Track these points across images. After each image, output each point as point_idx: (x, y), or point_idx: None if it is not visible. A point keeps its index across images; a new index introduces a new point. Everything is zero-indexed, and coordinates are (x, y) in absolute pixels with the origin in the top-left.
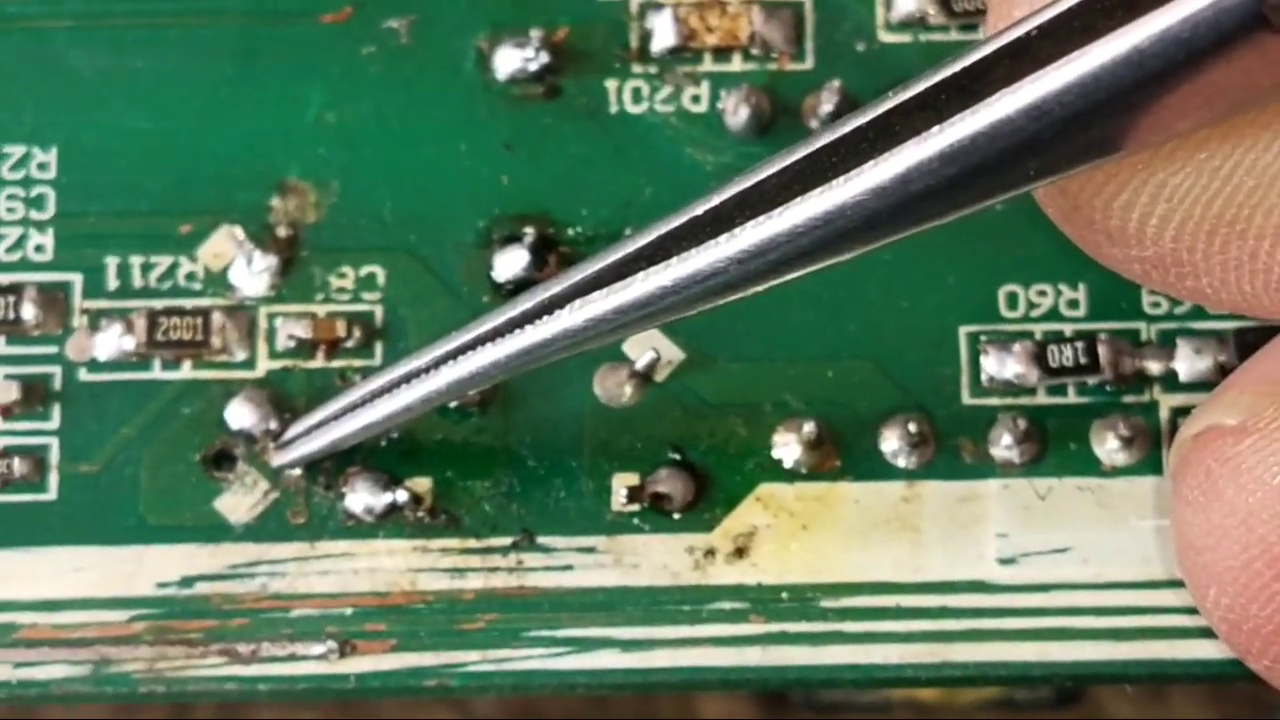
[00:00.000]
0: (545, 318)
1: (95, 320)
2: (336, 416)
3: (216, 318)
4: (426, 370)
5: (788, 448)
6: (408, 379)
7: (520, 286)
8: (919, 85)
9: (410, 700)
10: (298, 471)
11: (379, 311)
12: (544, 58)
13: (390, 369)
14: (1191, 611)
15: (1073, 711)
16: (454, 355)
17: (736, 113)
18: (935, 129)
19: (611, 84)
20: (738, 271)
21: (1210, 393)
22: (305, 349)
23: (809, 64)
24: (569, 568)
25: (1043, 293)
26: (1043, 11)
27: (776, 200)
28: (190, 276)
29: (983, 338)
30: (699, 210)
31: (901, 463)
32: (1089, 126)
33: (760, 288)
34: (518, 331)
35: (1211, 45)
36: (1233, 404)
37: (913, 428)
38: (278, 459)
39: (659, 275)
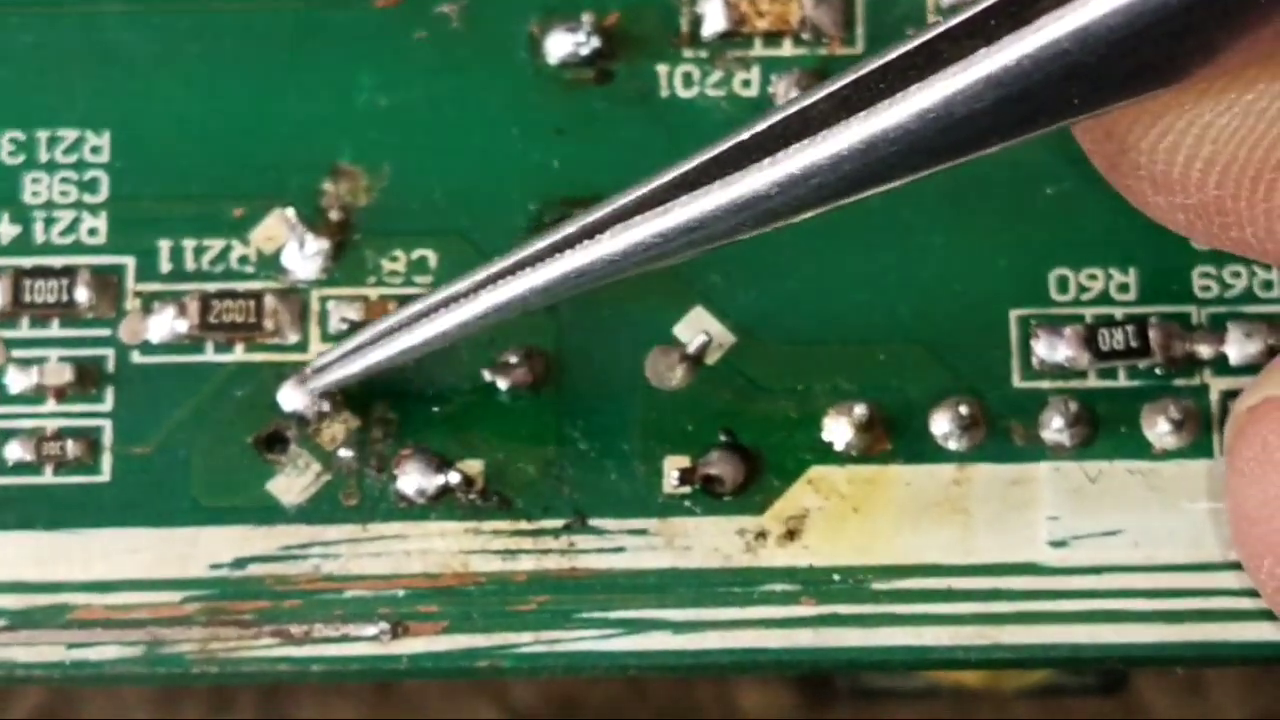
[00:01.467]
0: (586, 243)
1: (148, 303)
2: (373, 341)
3: (269, 301)
4: (465, 295)
5: (839, 430)
6: (445, 304)
7: None
8: (969, 11)
9: (457, 684)
10: (350, 453)
11: None
12: (595, 42)
13: (428, 295)
14: (1244, 594)
15: (1115, 700)
16: (493, 280)
17: (787, 97)
18: (981, 52)
19: (662, 68)
20: (780, 197)
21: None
22: (357, 331)
23: (860, 48)
24: (621, 549)
25: (1093, 276)
26: None
27: (821, 126)
28: (243, 260)
29: (1033, 321)
30: (744, 135)
31: (952, 445)
32: (1135, 53)
33: (804, 215)
34: (558, 257)
35: None
36: None
37: (964, 410)
38: (311, 383)
39: (701, 200)
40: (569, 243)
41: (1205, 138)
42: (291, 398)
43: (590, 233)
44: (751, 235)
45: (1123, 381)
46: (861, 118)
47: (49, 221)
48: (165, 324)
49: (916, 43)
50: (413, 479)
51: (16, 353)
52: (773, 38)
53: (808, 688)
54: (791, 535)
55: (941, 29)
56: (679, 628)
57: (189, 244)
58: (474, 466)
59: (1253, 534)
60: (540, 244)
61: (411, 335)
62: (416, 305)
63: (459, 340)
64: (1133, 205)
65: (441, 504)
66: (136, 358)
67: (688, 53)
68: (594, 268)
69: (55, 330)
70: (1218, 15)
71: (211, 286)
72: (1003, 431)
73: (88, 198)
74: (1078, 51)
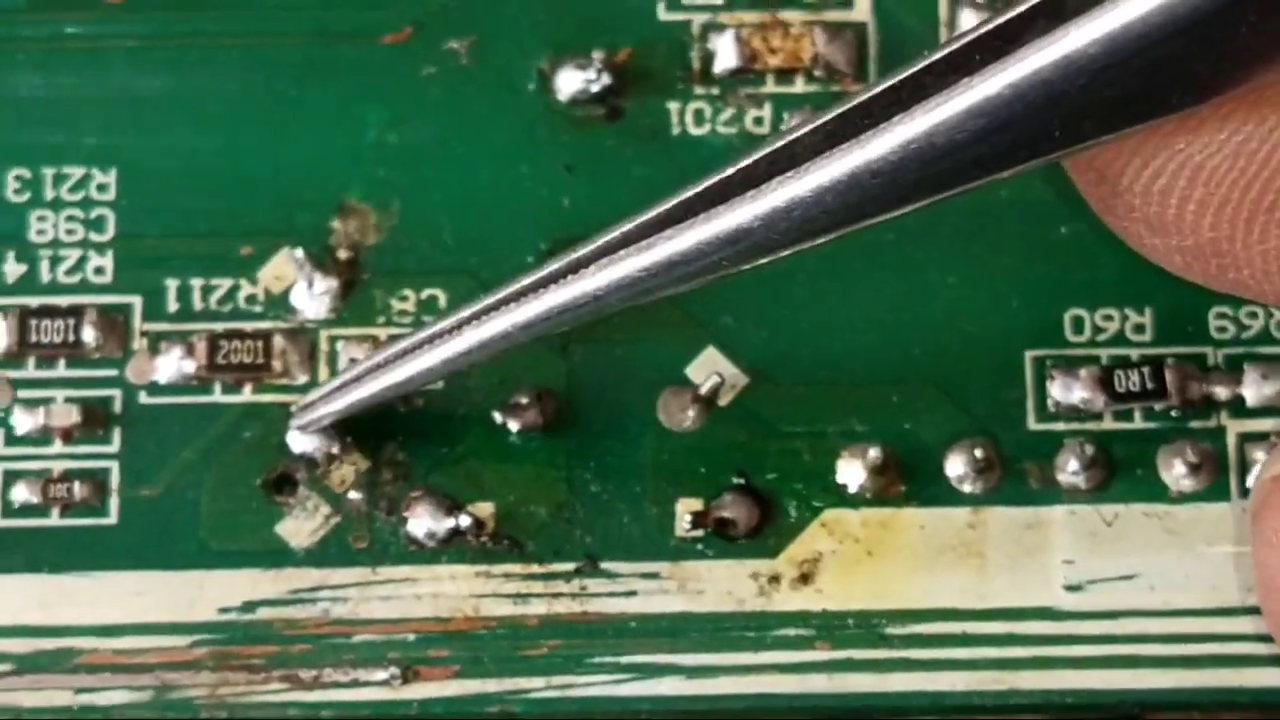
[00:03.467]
0: (570, 278)
1: (155, 343)
2: (358, 379)
3: (278, 341)
4: (450, 331)
5: (852, 473)
6: (430, 340)
7: None
8: (953, 45)
9: None
10: (359, 495)
11: None
12: (606, 79)
13: (413, 332)
14: (1261, 639)
15: None
16: (477, 316)
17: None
18: (963, 83)
19: (674, 105)
20: (763, 231)
21: None
22: None
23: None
24: (633, 593)
25: (1109, 317)
26: None
27: (805, 159)
28: (251, 299)
29: (1048, 362)
30: (728, 170)
31: (967, 488)
32: (1117, 84)
33: (788, 250)
34: (542, 293)
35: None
36: None
37: (978, 453)
38: (296, 421)
39: (685, 234)
40: (553, 279)
41: (1197, 180)
42: (301, 440)
43: (575, 268)
44: (736, 270)
45: (1139, 423)
46: (844, 150)
47: (55, 260)
48: (173, 364)
49: (901, 76)
50: (423, 522)
51: (23, 393)
52: (785, 75)
53: None
54: (805, 579)
55: (925, 63)
56: (692, 672)
57: (196, 283)
58: (485, 509)
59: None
60: (525, 280)
61: (396, 372)
62: (401, 343)
63: (444, 376)
64: (1131, 247)
65: (452, 547)
66: (144, 398)
67: (699, 90)
68: (578, 303)
69: (62, 370)
70: (1199, 48)
71: (219, 326)
72: (1018, 474)
73: (94, 236)
74: (1060, 81)
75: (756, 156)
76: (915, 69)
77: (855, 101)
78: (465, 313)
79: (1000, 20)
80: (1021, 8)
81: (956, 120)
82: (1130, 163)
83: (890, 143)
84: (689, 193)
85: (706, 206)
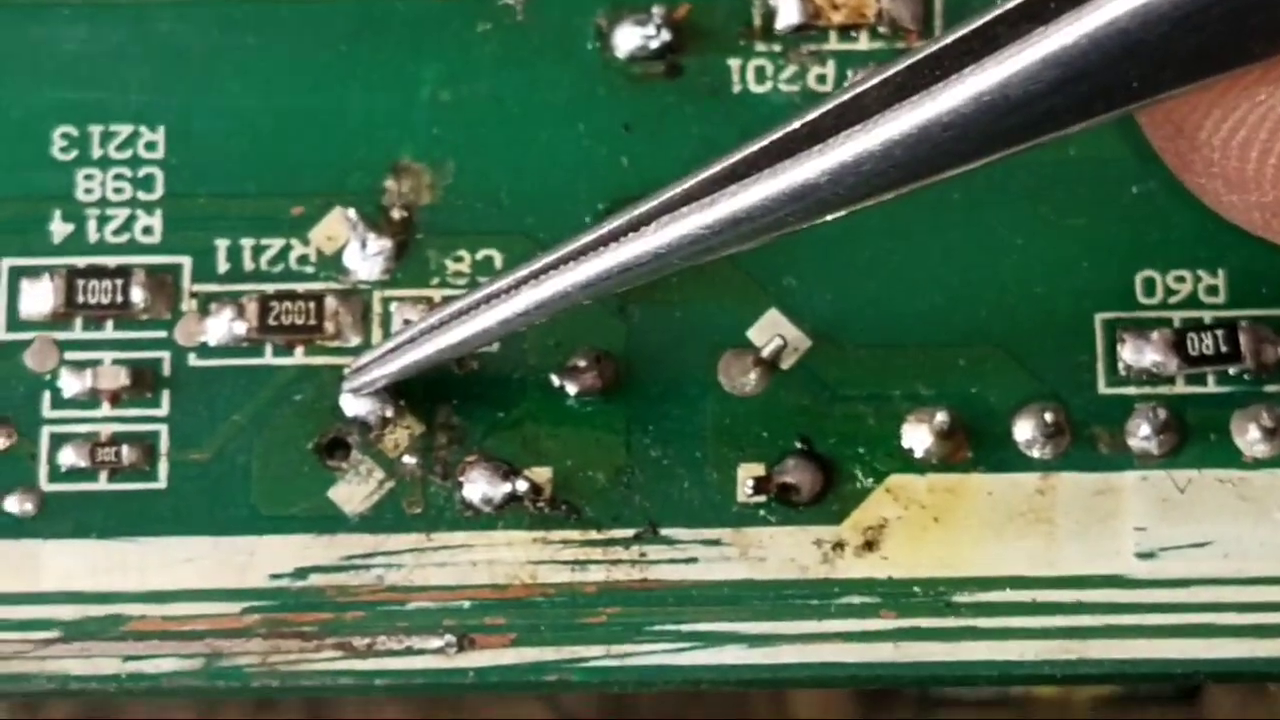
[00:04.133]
0: (631, 236)
1: (205, 304)
2: (412, 340)
3: (330, 302)
4: (507, 291)
5: (918, 438)
6: (486, 300)
7: None
8: None
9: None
10: (414, 460)
11: None
12: (665, 35)
13: (469, 292)
14: None
15: (1186, 709)
16: (536, 275)
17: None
18: (1038, 32)
19: (734, 63)
20: (831, 187)
21: None
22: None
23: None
24: (693, 560)
25: (1181, 278)
26: None
27: (874, 112)
28: (302, 260)
29: (1119, 325)
30: (794, 124)
31: (1036, 453)
32: (1197, 32)
33: (855, 206)
34: (602, 251)
35: None
36: None
37: (1048, 417)
38: (349, 384)
39: (749, 190)
40: (614, 236)
41: (1279, 132)
42: (354, 403)
43: (635, 226)
44: (801, 227)
45: (1212, 387)
46: (914, 103)
47: (102, 220)
48: (223, 326)
49: (972, 27)
50: (479, 487)
51: (70, 355)
52: (848, 31)
53: (866, 693)
54: (870, 546)
55: (998, 12)
56: (753, 641)
57: (247, 243)
58: (542, 474)
59: None
60: (584, 239)
61: (452, 333)
62: (457, 303)
63: (500, 338)
64: (1206, 204)
65: (508, 513)
66: (193, 360)
67: (760, 46)
68: (639, 261)
69: (109, 332)
70: None
71: (270, 287)
72: (1088, 439)
73: (142, 195)
74: (1138, 30)
75: (823, 110)
76: (987, 18)
77: (925, 53)
78: (522, 272)
79: None
80: None
81: (1031, 71)
82: (1209, 115)
83: (962, 94)
84: (753, 147)
85: (771, 162)
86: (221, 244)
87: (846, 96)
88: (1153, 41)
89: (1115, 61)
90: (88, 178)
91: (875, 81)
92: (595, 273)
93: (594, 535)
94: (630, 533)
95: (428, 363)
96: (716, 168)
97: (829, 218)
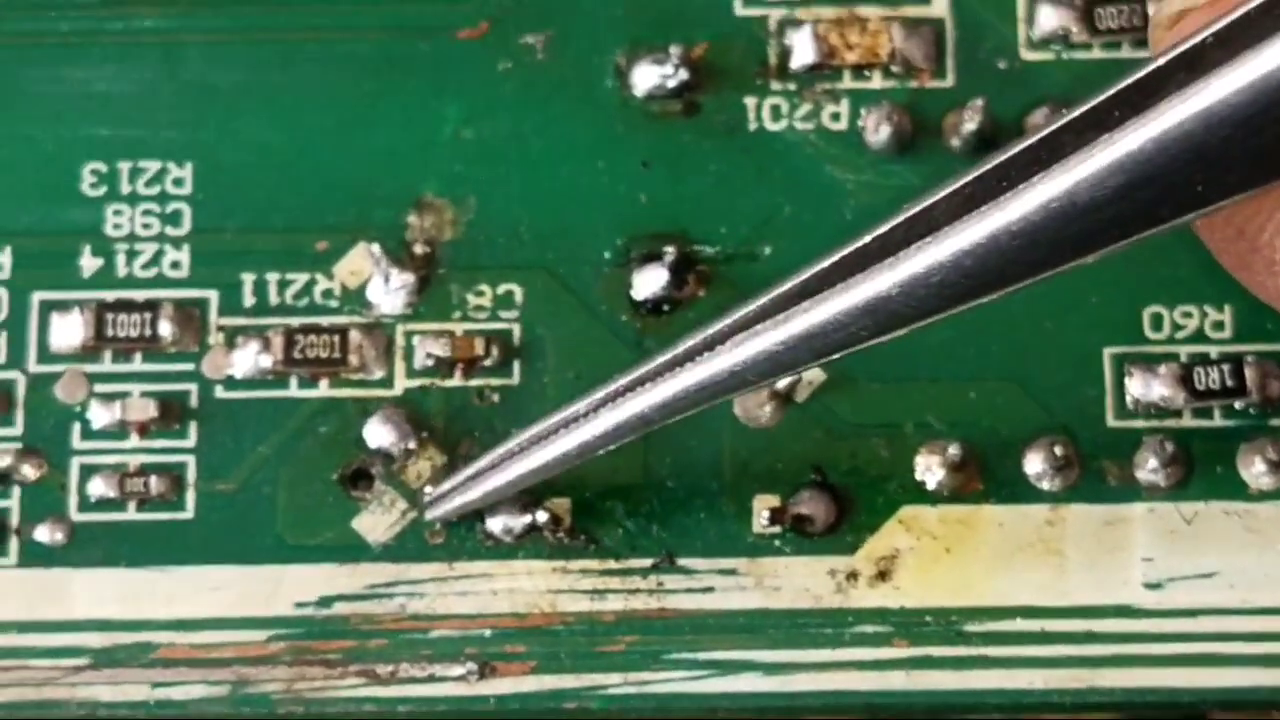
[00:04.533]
0: (706, 355)
1: (231, 337)
2: (493, 465)
3: (354, 335)
4: (585, 415)
5: (930, 470)
6: (565, 424)
7: (658, 305)
8: (1091, 102)
9: None
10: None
11: (517, 330)
12: (682, 74)
13: (548, 416)
14: None
15: None
16: (612, 399)
17: (877, 131)
18: (1104, 139)
19: (750, 101)
20: (902, 299)
21: None
22: (443, 367)
23: (950, 81)
24: (710, 590)
25: (1188, 314)
26: (1218, 20)
27: (943, 223)
28: (327, 294)
29: (1127, 359)
30: (865, 239)
31: (1046, 485)
32: (1261, 133)
33: (928, 320)
34: (679, 371)
35: None
36: None
37: (1058, 450)
38: (431, 513)
39: (823, 305)
40: (689, 356)
41: None
42: (377, 434)
43: (711, 345)
44: (875, 342)
45: (1218, 421)
46: (983, 213)
47: (131, 254)
48: (249, 359)
49: (1039, 136)
50: (500, 518)
51: (99, 387)
52: (862, 70)
53: None
54: (883, 576)
55: (1064, 121)
56: (769, 669)
57: (273, 277)
58: (561, 505)
59: None
60: (660, 359)
61: (531, 458)
62: (536, 427)
63: (579, 461)
64: (1263, 300)
65: (529, 542)
66: (220, 393)
67: (776, 85)
68: (715, 380)
69: (138, 365)
70: None
71: (295, 321)
72: (1097, 471)
73: (170, 230)
74: (1201, 133)
75: (893, 223)
76: (1054, 128)
77: (993, 163)
78: (600, 395)
79: (1139, 75)
80: (1160, 61)
81: (1098, 177)
82: (1271, 218)
83: (1030, 203)
84: (825, 263)
85: (843, 276)
86: (248, 278)
87: (916, 209)
88: (1216, 145)
89: (1180, 166)
90: (117, 213)
91: (944, 193)
92: (673, 393)
93: (612, 565)
94: (648, 562)
95: (509, 489)
96: (789, 284)
97: (901, 332)
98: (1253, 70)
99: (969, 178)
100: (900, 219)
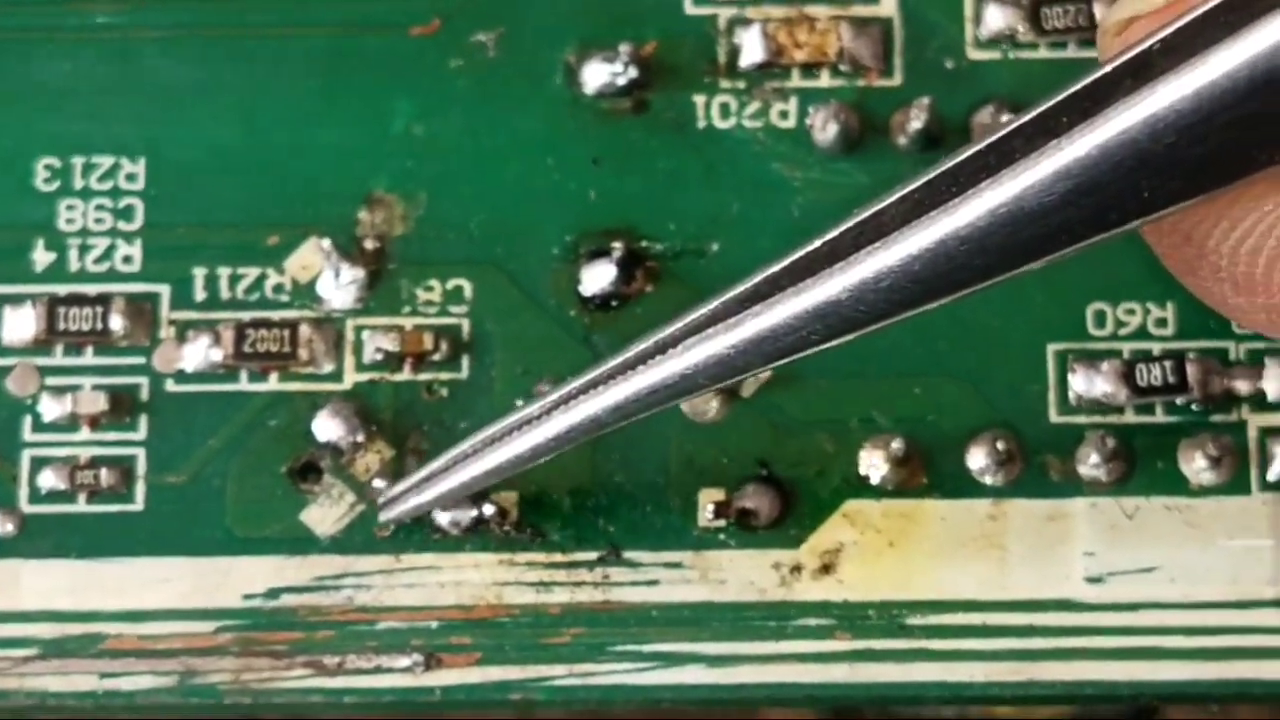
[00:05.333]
0: (659, 359)
1: (183, 331)
2: (445, 469)
3: (304, 330)
4: (538, 418)
5: (874, 464)
6: (519, 427)
7: (607, 301)
8: (1039, 108)
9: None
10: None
11: (466, 325)
12: (632, 72)
13: (499, 420)
14: (1279, 631)
15: None
16: (564, 402)
17: (825, 129)
18: (1052, 145)
19: (699, 99)
20: (852, 304)
21: None
22: (392, 362)
23: (898, 80)
24: (655, 583)
25: (1131, 311)
26: (1165, 28)
27: (892, 229)
28: (278, 288)
29: (1071, 356)
30: (816, 244)
31: (989, 480)
32: (1205, 141)
33: (879, 324)
34: (630, 375)
35: None
36: None
37: (1000, 445)
38: (384, 515)
39: (773, 310)
40: (641, 359)
41: None
42: (326, 427)
43: (662, 349)
44: (825, 346)
45: (1160, 417)
46: (932, 218)
47: (84, 249)
48: (200, 352)
49: (987, 142)
50: (447, 510)
51: (50, 380)
52: (810, 69)
53: (831, 711)
54: (826, 569)
55: (1012, 127)
56: (713, 661)
57: (224, 272)
58: (508, 498)
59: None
60: (612, 362)
61: (484, 460)
62: (489, 430)
63: (532, 463)
64: (1208, 305)
65: (475, 535)
66: (171, 386)
67: (725, 83)
68: (667, 384)
69: (89, 358)
70: None
71: (246, 315)
72: (1039, 466)
73: (123, 225)
74: (1147, 140)
75: (843, 228)
76: (1002, 133)
77: (942, 169)
78: (553, 398)
79: (1087, 81)
80: (1107, 68)
81: (1045, 183)
82: (1218, 224)
83: (978, 209)
84: (775, 267)
85: (794, 281)
86: (199, 273)
87: (866, 214)
88: (1161, 152)
89: (1125, 172)
90: (69, 208)
91: (894, 199)
92: (625, 397)
93: (558, 558)
94: (594, 555)
95: (462, 491)
96: (740, 288)
97: (851, 336)
98: (1197, 79)
99: (918, 183)
100: (850, 224)
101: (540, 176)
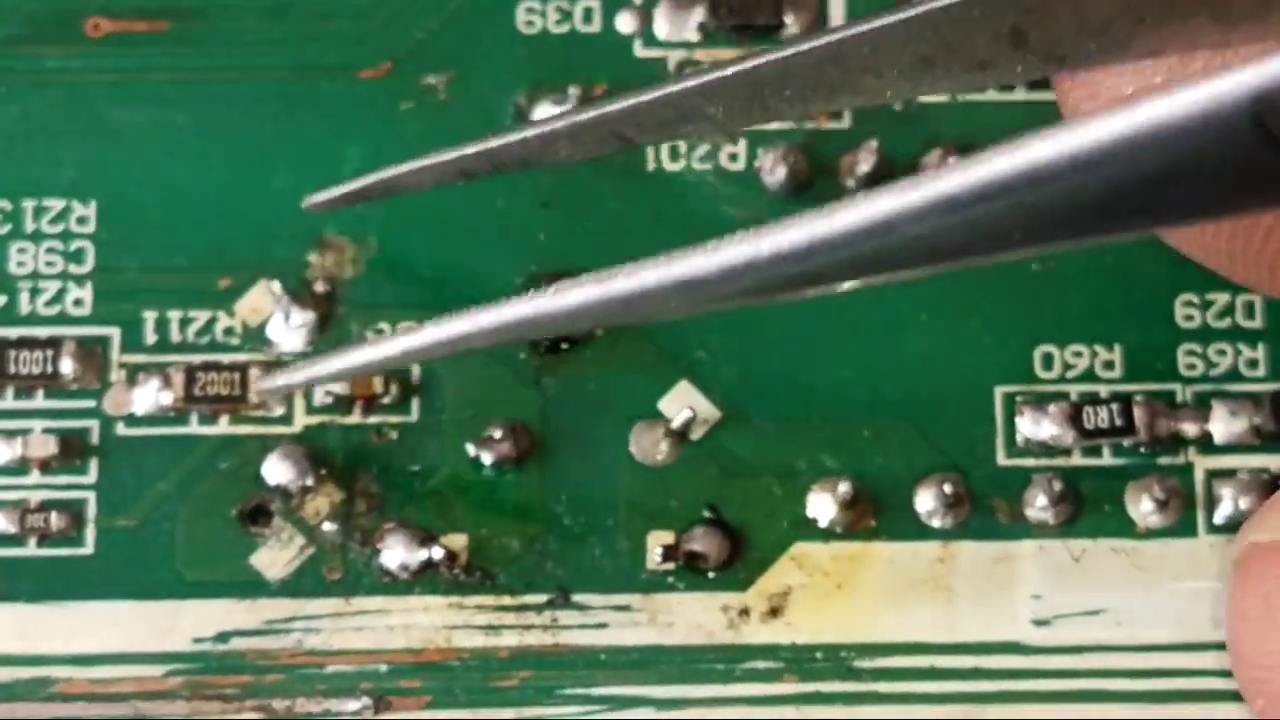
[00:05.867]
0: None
1: (133, 374)
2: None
3: (254, 373)
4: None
5: (823, 507)
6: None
7: (556, 344)
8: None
9: None
10: (333, 527)
11: (416, 368)
12: None
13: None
14: (1225, 674)
15: None
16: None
17: (774, 171)
18: (931, 174)
19: None
20: (720, 284)
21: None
22: (342, 405)
23: (846, 123)
24: (604, 625)
25: (1078, 353)
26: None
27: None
28: (228, 331)
29: (1018, 398)
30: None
31: (936, 523)
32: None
33: (736, 303)
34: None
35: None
36: None
37: (948, 488)
38: (262, 384)
39: (643, 274)
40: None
41: None
42: (276, 471)
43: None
44: (684, 314)
45: (1107, 459)
46: (805, 220)
47: (34, 292)
48: (150, 396)
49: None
50: (396, 553)
51: (1, 424)
52: None
53: None
54: (775, 612)
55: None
56: (662, 704)
57: (174, 315)
58: (458, 541)
59: (1250, 675)
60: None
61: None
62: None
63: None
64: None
65: (425, 578)
66: (121, 429)
67: None
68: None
69: (40, 401)
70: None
71: (196, 358)
72: (987, 509)
73: (73, 268)
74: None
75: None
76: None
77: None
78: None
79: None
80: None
81: (918, 211)
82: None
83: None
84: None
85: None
86: (150, 316)
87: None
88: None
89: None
90: (21, 251)
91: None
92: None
93: (508, 601)
94: (543, 598)
95: (335, 377)
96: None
97: (712, 308)
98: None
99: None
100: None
101: (490, 219)
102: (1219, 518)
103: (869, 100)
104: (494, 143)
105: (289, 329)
